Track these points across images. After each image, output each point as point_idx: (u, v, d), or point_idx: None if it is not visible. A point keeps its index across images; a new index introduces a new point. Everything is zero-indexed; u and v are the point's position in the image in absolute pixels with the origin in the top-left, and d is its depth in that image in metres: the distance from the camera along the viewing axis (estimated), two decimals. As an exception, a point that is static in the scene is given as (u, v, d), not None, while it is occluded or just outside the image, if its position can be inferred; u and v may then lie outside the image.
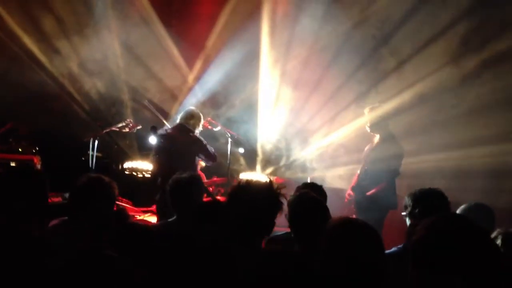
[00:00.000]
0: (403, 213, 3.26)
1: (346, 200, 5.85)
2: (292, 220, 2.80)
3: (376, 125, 5.68)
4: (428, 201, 3.11)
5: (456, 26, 6.79)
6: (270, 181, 2.53)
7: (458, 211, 3.41)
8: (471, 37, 6.75)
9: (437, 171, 6.66)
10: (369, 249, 1.81)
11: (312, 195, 2.95)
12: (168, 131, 5.74)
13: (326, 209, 2.81)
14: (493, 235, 2.76)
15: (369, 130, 5.77)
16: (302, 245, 2.70)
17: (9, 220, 2.66)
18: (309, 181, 7.19)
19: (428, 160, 6.76)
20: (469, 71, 6.70)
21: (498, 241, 2.71)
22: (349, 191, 5.81)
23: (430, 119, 6.93)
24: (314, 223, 2.62)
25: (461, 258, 1.55)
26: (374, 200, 5.42)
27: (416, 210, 3.11)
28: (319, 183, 6.31)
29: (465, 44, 6.81)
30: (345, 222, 1.90)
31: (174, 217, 3.45)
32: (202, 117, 5.95)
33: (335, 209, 5.81)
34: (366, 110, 5.83)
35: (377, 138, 5.75)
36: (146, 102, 6.02)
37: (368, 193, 5.54)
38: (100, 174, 3.18)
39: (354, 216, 5.53)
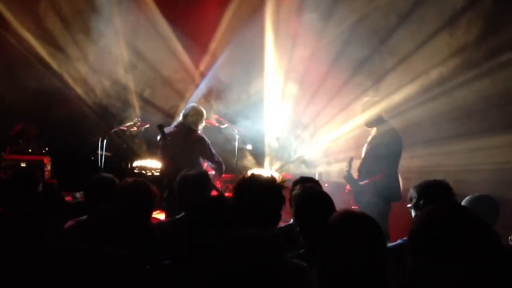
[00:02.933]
0: (409, 205, 3.28)
1: (347, 191, 5.80)
2: (297, 213, 2.82)
3: (370, 120, 5.61)
4: (433, 192, 3.13)
5: (463, 16, 6.76)
6: (272, 175, 2.59)
7: (462, 203, 3.42)
8: (479, 26, 6.70)
9: (445, 163, 6.63)
10: (368, 240, 1.82)
11: (317, 188, 2.98)
12: (171, 129, 5.76)
13: (331, 203, 2.83)
14: None
15: (365, 125, 5.73)
16: (306, 238, 2.73)
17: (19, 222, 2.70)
18: (317, 176, 7.22)
19: (437, 154, 6.74)
20: (476, 61, 6.64)
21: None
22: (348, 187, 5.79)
23: (437, 111, 6.90)
24: (319, 216, 2.64)
25: (459, 245, 1.57)
26: (374, 192, 5.34)
27: (421, 202, 3.14)
28: (325, 178, 6.37)
29: (473, 33, 6.76)
30: (343, 214, 1.92)
31: (182, 213, 3.50)
32: (204, 113, 5.93)
33: (340, 203, 5.86)
34: (358, 107, 5.79)
35: (373, 131, 5.66)
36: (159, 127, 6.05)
37: (362, 183, 5.49)
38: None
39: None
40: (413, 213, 3.22)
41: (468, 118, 6.61)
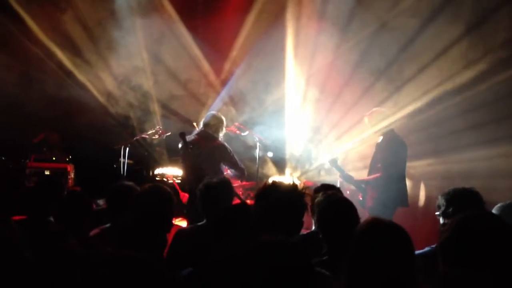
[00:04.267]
0: (437, 213, 3.23)
1: (359, 197, 5.89)
2: (320, 220, 2.79)
3: (378, 129, 5.75)
4: (462, 200, 3.10)
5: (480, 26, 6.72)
6: (294, 182, 2.57)
7: (493, 211, 3.35)
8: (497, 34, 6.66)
9: (468, 170, 6.54)
10: (397, 249, 1.79)
11: (339, 195, 2.94)
12: (193, 137, 5.78)
13: (354, 210, 2.80)
14: None
15: (374, 135, 5.88)
16: (330, 246, 2.69)
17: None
18: (338, 184, 7.17)
19: (458, 161, 6.66)
20: (493, 72, 6.59)
21: None
22: (360, 195, 5.87)
23: (459, 118, 6.83)
24: (342, 223, 2.61)
25: (490, 254, 1.56)
26: (380, 197, 5.46)
27: (450, 210, 3.10)
28: (346, 185, 6.37)
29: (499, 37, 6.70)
30: (372, 224, 1.89)
31: (204, 221, 3.49)
32: (224, 120, 5.95)
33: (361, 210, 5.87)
34: (366, 117, 5.90)
35: (380, 139, 5.82)
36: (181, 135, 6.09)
37: (356, 179, 5.79)
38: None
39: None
40: (441, 221, 3.18)
41: (494, 124, 6.52)
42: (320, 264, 2.59)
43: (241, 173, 5.89)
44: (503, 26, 6.67)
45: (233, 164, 5.76)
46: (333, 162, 5.82)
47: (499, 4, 6.65)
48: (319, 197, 2.89)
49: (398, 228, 1.86)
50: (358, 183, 5.85)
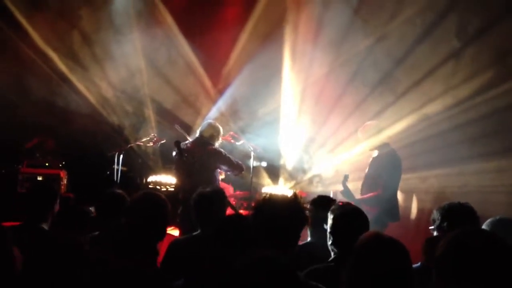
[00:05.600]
0: (431, 227, 3.25)
1: None
2: (335, 228, 2.83)
3: (373, 143, 5.76)
4: (457, 215, 3.13)
5: (479, 38, 6.80)
6: (295, 194, 2.57)
7: (483, 226, 3.38)
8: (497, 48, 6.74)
9: (461, 184, 6.59)
10: (397, 266, 1.82)
11: (354, 206, 2.97)
12: (188, 145, 5.79)
13: (367, 221, 2.87)
14: None
15: (368, 149, 5.89)
16: (340, 251, 2.76)
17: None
18: (331, 195, 7.20)
19: (451, 174, 6.71)
20: (488, 86, 6.68)
21: None
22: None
23: (455, 131, 6.89)
24: (356, 232, 2.64)
25: (485, 269, 1.60)
26: (375, 212, 5.40)
27: (444, 224, 3.14)
28: (340, 196, 6.40)
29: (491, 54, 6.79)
30: (372, 238, 1.92)
31: (199, 231, 3.49)
32: (221, 129, 5.98)
33: None
34: (360, 131, 5.92)
35: (375, 153, 5.82)
36: (177, 127, 6.12)
37: (357, 198, 5.67)
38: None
39: None
40: (435, 234, 3.19)
41: (487, 139, 6.58)
42: (325, 269, 2.64)
43: (239, 169, 5.91)
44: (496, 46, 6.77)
45: (230, 164, 5.78)
46: (345, 178, 5.80)
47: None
48: (335, 207, 2.92)
49: (396, 243, 1.89)
50: (359, 202, 5.62)
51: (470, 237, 1.69)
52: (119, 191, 3.66)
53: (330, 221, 2.86)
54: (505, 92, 6.52)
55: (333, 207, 2.93)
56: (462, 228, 1.78)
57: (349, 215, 2.84)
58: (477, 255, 1.63)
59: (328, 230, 2.85)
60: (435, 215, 3.23)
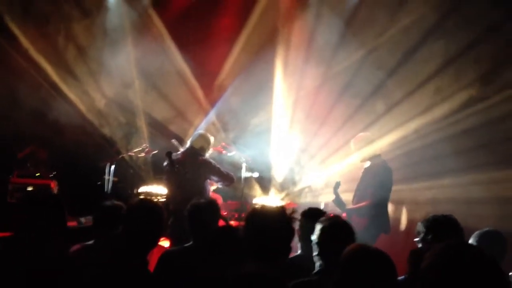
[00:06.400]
0: (416, 239, 3.30)
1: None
2: (321, 241, 2.85)
3: (365, 154, 5.85)
4: (441, 227, 3.17)
5: (470, 52, 6.91)
6: (283, 207, 2.62)
7: (471, 238, 3.44)
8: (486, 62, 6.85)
9: (450, 196, 6.66)
10: (383, 277, 1.86)
11: (341, 219, 3.02)
12: (179, 156, 5.81)
13: (354, 234, 2.92)
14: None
15: (360, 161, 5.97)
16: (326, 264, 2.78)
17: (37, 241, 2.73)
18: (322, 206, 7.25)
19: (440, 186, 6.78)
20: (479, 99, 6.78)
21: None
22: (344, 215, 5.89)
23: (444, 144, 6.97)
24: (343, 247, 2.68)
25: (470, 284, 1.62)
26: (366, 224, 5.50)
27: (429, 236, 3.17)
28: (331, 208, 6.44)
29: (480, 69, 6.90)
30: (358, 251, 1.96)
31: (191, 242, 3.51)
32: (212, 140, 6.01)
33: None
34: (352, 142, 6.01)
35: (367, 164, 5.90)
36: (174, 141, 6.16)
37: (348, 207, 5.73)
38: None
39: None
40: (419, 246, 3.24)
41: (475, 152, 6.67)
42: (308, 283, 2.65)
43: (230, 180, 5.93)
44: (485, 61, 6.88)
45: (220, 175, 5.79)
46: (336, 185, 5.84)
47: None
48: (323, 220, 2.95)
49: (382, 255, 1.93)
50: (349, 211, 5.77)
51: (455, 250, 1.72)
52: (118, 202, 3.66)
53: (317, 232, 2.89)
54: (493, 105, 6.62)
55: (321, 218, 2.98)
56: (448, 241, 1.81)
57: (336, 227, 2.88)
58: (461, 269, 1.66)
59: (315, 241, 2.88)
60: (420, 227, 3.28)
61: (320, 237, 2.85)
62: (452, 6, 6.83)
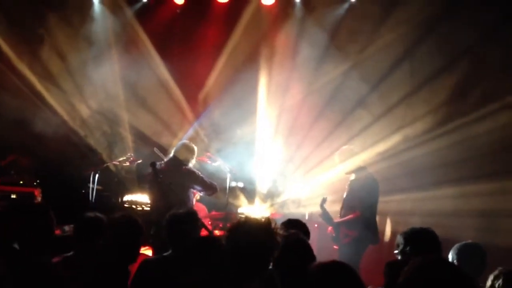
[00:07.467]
0: (395, 251, 3.33)
1: (328, 231, 5.97)
2: (278, 260, 2.76)
3: (349, 167, 5.89)
4: (419, 240, 3.20)
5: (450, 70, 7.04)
6: (268, 219, 2.61)
7: (451, 251, 3.46)
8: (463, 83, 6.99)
9: (433, 208, 6.72)
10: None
11: (297, 236, 3.00)
12: (162, 165, 5.79)
13: (311, 251, 2.90)
14: (495, 274, 2.81)
15: (345, 173, 6.01)
16: (285, 285, 2.75)
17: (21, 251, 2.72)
18: (306, 217, 7.29)
19: (423, 198, 6.85)
20: (461, 113, 6.88)
21: (500, 281, 2.75)
22: (330, 227, 5.91)
23: (426, 157, 7.05)
24: (299, 265, 2.67)
25: None
26: (356, 235, 5.55)
27: (407, 248, 3.20)
28: (315, 218, 6.46)
29: (458, 88, 7.02)
30: (324, 267, 1.98)
31: (170, 251, 3.51)
32: (195, 149, 6.00)
33: (326, 243, 5.99)
34: (336, 155, 6.06)
35: (352, 177, 5.94)
36: (156, 150, 6.17)
37: (336, 220, 5.77)
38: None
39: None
40: (399, 258, 3.27)
41: (456, 165, 6.75)
42: None
43: (213, 190, 5.93)
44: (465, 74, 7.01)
45: (203, 185, 5.79)
46: (323, 201, 5.87)
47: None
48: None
49: (347, 269, 1.96)
50: (337, 225, 5.79)
51: (432, 266, 1.77)
52: (99, 214, 3.63)
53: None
54: (478, 119, 6.72)
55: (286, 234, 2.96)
56: (425, 256, 1.86)
57: (292, 247, 2.87)
58: (437, 284, 1.71)
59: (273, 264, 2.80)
60: (399, 239, 3.31)
61: (277, 261, 2.76)
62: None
